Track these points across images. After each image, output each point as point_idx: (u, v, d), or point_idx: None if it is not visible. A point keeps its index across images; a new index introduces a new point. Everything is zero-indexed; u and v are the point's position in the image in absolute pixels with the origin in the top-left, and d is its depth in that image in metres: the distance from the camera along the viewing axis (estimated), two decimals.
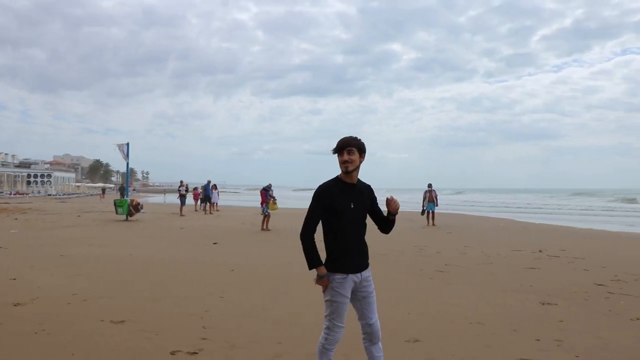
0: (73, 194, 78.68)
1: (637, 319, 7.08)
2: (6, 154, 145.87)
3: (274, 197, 21.32)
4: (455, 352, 5.51)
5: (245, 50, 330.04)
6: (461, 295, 8.60)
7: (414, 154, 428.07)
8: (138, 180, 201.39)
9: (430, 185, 24.45)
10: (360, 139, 4.17)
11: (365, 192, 4.20)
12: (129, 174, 26.91)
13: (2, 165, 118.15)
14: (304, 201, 54.97)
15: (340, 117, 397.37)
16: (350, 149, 4.05)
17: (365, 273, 4.10)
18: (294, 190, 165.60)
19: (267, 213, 20.84)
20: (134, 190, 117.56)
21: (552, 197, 68.93)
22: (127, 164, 25.49)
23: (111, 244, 15.36)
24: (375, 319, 4.09)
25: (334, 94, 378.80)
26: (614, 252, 14.88)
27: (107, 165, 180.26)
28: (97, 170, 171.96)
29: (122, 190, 44.36)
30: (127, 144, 25.25)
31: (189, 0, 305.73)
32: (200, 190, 35.62)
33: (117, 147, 25.16)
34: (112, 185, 57.02)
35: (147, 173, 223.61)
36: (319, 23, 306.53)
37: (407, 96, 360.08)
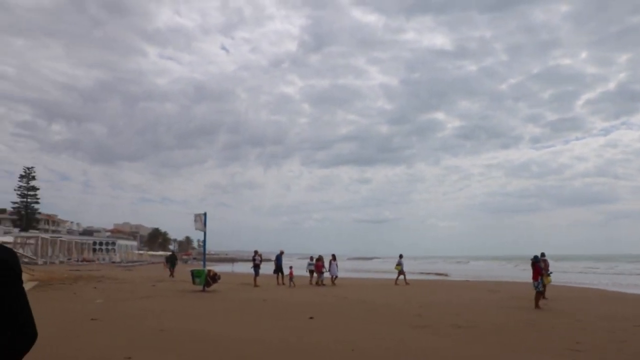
0: (136, 261, 79.61)
1: None
2: (71, 222, 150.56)
3: (547, 270, 18.55)
4: None
5: (292, 122, 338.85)
6: None
7: (464, 222, 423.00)
8: (194, 248, 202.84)
9: (543, 255, 20.30)
10: None
11: None
12: (205, 243, 26.64)
13: (68, 232, 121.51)
14: (361, 273, 53.62)
15: (389, 185, 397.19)
16: None
17: None
18: (348, 259, 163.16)
19: (540, 289, 18.11)
20: (193, 258, 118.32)
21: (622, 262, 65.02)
22: (205, 233, 25.25)
23: (203, 318, 14.78)
24: None
25: (381, 163, 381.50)
26: None
27: (165, 233, 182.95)
28: (156, 239, 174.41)
29: (173, 259, 44.23)
30: (205, 214, 25.13)
31: (238, 76, 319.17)
32: (312, 262, 32.30)
33: (195, 217, 25.04)
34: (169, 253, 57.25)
35: (203, 242, 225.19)
36: (363, 95, 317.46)
37: (454, 164, 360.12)
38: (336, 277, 31.02)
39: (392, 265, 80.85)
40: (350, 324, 13.89)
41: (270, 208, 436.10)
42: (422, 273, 55.55)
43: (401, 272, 31.93)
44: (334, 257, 31.37)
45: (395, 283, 31.47)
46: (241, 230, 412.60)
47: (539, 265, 18.09)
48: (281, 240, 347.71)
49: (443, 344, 10.95)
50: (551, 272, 18.68)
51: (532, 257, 18.59)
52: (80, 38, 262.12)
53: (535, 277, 18.06)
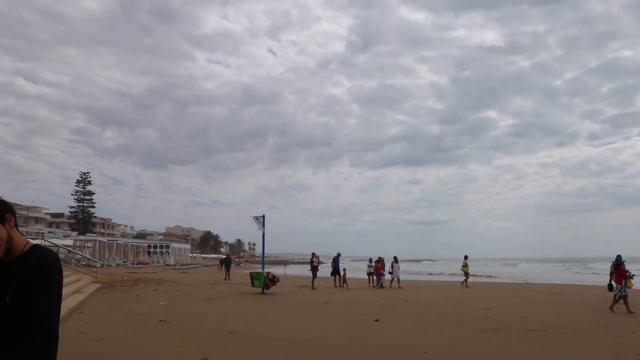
0: (190, 264, 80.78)
1: None
2: (125, 225, 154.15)
3: (629, 272, 17.18)
4: None
5: (341, 124, 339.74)
6: None
7: (517, 223, 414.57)
8: (245, 251, 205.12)
9: (620, 257, 17.90)
10: None
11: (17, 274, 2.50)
12: (264, 246, 26.54)
13: (122, 235, 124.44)
14: (413, 275, 53.09)
15: (440, 186, 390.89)
16: None
17: None
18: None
19: (623, 293, 16.74)
20: (246, 261, 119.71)
21: None
22: (263, 234, 25.31)
23: (268, 320, 14.80)
24: None
25: (432, 164, 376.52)
26: None
27: (217, 236, 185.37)
28: (208, 241, 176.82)
29: (228, 262, 45.17)
30: (263, 216, 25.20)
31: (286, 78, 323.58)
32: (371, 264, 31.85)
33: (253, 220, 25.13)
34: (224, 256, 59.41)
35: (254, 244, 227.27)
36: (412, 94, 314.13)
37: (507, 163, 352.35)
38: (398, 279, 30.56)
39: (444, 268, 79.12)
40: (417, 326, 13.68)
41: (320, 210, 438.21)
42: (472, 275, 54.00)
43: (467, 273, 31.32)
44: (395, 259, 30.83)
45: (462, 285, 30.90)
46: (291, 232, 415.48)
47: (623, 268, 17.05)
48: (331, 242, 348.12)
49: (518, 347, 10.63)
50: (634, 275, 17.67)
51: (615, 258, 17.50)
52: (131, 46, 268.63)
53: (619, 280, 17.01)
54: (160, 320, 13.73)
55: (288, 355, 9.56)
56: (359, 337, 11.68)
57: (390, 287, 29.55)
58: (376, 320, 14.52)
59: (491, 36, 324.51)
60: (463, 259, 31.85)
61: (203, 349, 9.78)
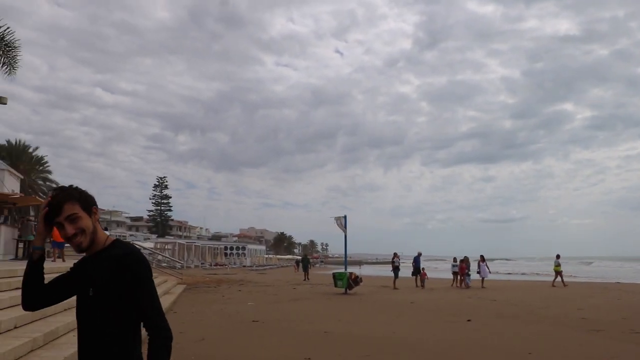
0: (267, 265, 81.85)
1: None
2: (201, 227, 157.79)
3: None
4: None
5: (411, 122, 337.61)
6: None
7: (599, 219, 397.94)
8: (318, 252, 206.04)
9: None
10: (73, 189, 2.57)
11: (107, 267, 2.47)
12: (346, 246, 26.58)
13: (198, 237, 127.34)
14: (500, 275, 51.89)
15: (515, 183, 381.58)
16: (72, 215, 2.48)
17: None
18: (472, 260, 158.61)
19: None
20: (321, 261, 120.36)
21: None
22: (345, 235, 25.41)
23: (358, 320, 14.81)
24: None
25: (505, 160, 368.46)
26: None
27: (290, 237, 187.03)
28: (281, 243, 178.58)
29: (306, 262, 45.20)
30: (345, 217, 25.33)
31: (354, 78, 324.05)
32: (456, 264, 31.37)
33: (335, 221, 25.35)
34: (299, 257, 60.96)
35: (327, 245, 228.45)
36: (483, 90, 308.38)
37: (586, 157, 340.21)
38: (483, 279, 29.93)
39: (521, 267, 77.22)
40: (512, 327, 13.35)
41: (391, 209, 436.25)
42: (538, 274, 52.17)
43: (559, 272, 30.35)
44: (482, 258, 30.31)
45: (564, 284, 29.85)
46: (363, 232, 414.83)
47: None
48: (403, 242, 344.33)
49: (626, 349, 10.20)
50: None
51: None
52: (201, 52, 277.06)
53: None
54: (253, 321, 13.95)
55: (386, 354, 9.50)
56: (455, 337, 11.52)
57: (481, 286, 28.84)
58: (468, 320, 14.29)
59: (565, 25, 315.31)
60: (555, 258, 30.78)
61: (302, 348, 9.89)
